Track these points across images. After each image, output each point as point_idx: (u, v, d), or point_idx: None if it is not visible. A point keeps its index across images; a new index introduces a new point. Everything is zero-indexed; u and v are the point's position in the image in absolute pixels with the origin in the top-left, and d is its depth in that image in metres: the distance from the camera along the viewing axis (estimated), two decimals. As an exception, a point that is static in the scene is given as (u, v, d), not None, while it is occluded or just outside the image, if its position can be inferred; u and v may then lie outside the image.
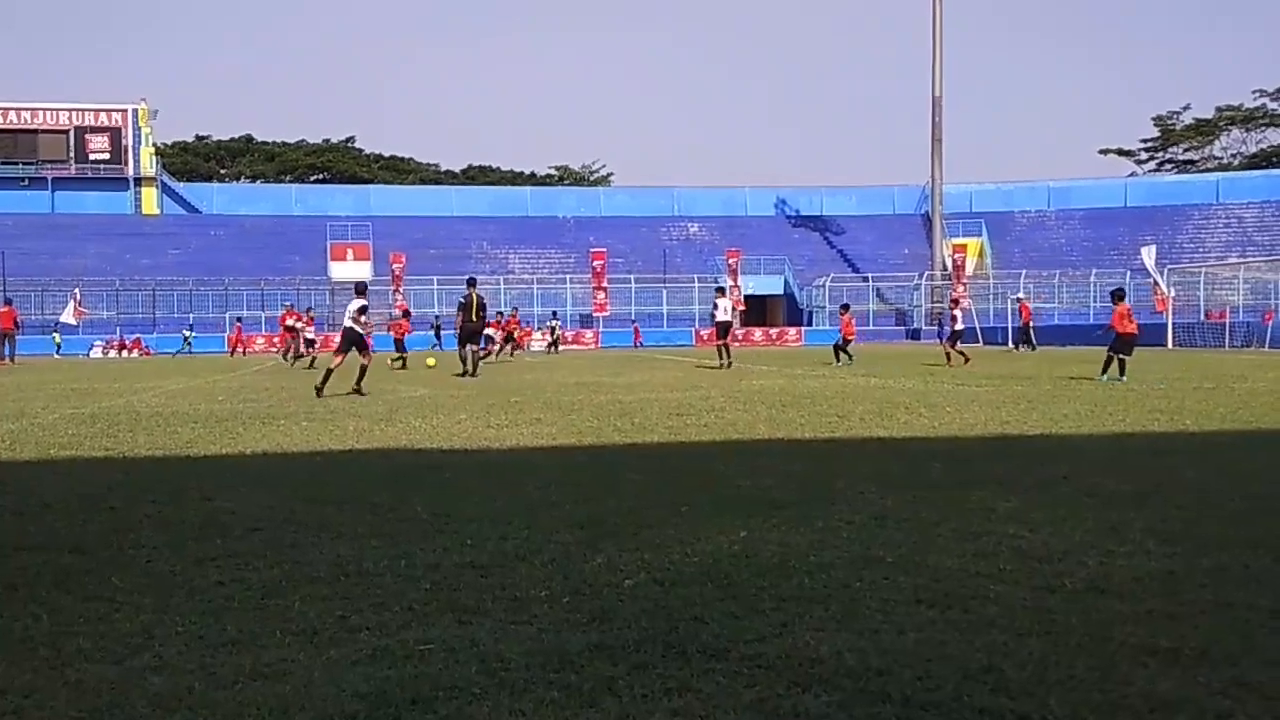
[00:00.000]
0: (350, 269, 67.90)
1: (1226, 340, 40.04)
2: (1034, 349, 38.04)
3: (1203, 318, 44.87)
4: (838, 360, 27.49)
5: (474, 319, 22.85)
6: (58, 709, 3.04)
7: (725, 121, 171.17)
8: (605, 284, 66.72)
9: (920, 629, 3.66)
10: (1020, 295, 45.34)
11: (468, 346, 22.98)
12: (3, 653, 3.55)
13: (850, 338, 28.59)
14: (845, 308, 30.70)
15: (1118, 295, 18.35)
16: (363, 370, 17.34)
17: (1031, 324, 40.99)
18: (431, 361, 27.64)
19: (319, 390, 16.29)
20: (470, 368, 22.41)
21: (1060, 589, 4.17)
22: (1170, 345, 40.64)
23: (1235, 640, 3.48)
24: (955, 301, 32.98)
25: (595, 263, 66.96)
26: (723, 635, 3.60)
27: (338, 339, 18.46)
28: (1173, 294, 44.62)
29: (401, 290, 63.87)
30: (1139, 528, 5.26)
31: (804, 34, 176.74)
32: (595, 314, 66.32)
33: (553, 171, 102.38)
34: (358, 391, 16.52)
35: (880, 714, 2.92)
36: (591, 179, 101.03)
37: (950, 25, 75.71)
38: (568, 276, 69.93)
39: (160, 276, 65.86)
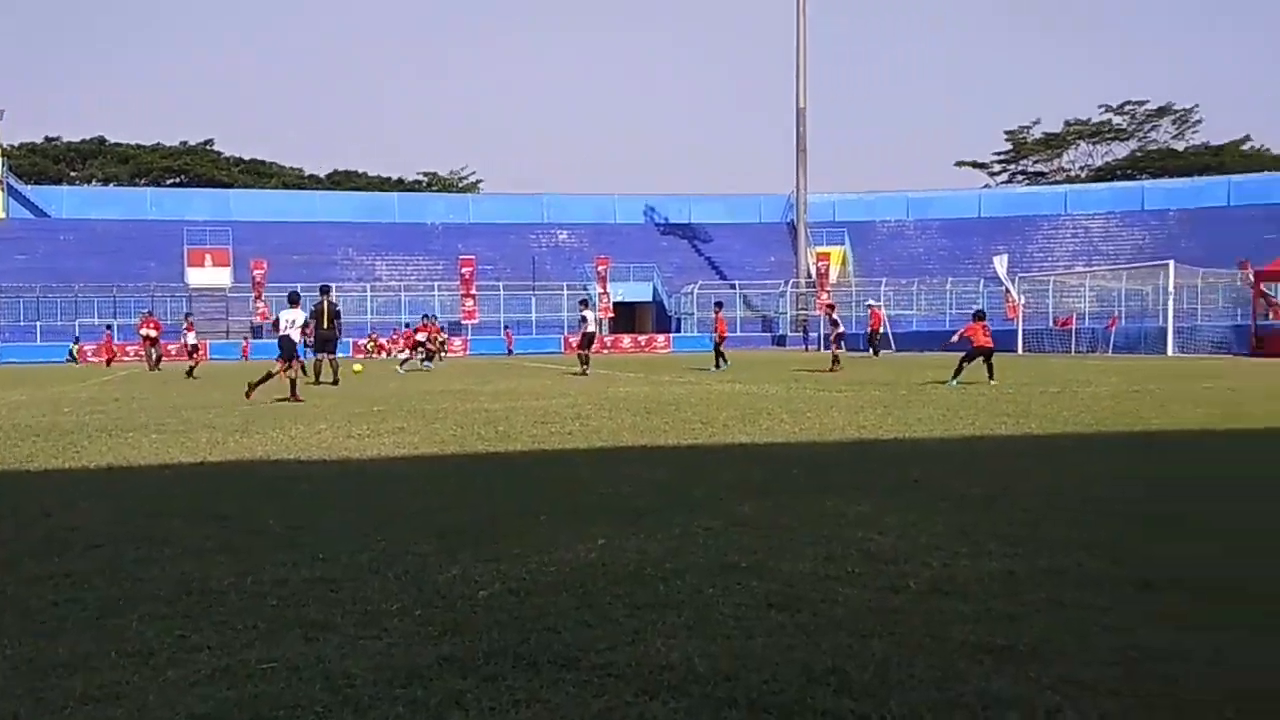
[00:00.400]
0: (209, 275, 66.11)
1: (1073, 346, 41.77)
2: (877, 354, 39.17)
3: (1051, 324, 46.66)
4: (718, 365, 27.85)
5: (326, 327, 22.59)
6: None
7: (595, 129, 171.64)
8: (474, 291, 66.21)
9: (769, 633, 3.72)
10: (871, 302, 46.48)
11: (323, 355, 22.71)
12: None
13: (724, 337, 29.15)
14: (719, 305, 31.25)
15: (978, 315, 20.03)
16: (294, 381, 17.78)
17: (881, 330, 42.19)
18: (358, 368, 27.27)
19: (249, 393, 17.14)
20: (313, 377, 22.18)
21: (905, 590, 4.28)
22: (1020, 351, 42.23)
23: (1068, 638, 3.62)
24: (831, 307, 33.63)
25: (464, 270, 66.41)
26: (575, 644, 3.60)
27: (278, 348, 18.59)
28: (1023, 301, 46.36)
29: (264, 298, 62.23)
30: (983, 530, 5.43)
31: (674, 43, 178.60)
32: (464, 321, 65.73)
33: (421, 178, 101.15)
34: (295, 398, 16.92)
35: (726, 719, 2.96)
36: (460, 185, 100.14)
37: (814, 38, 77.33)
38: (436, 284, 69.19)
39: (4, 283, 62.87)
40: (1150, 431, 10.56)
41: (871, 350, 39.90)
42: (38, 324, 61.63)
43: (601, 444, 10.05)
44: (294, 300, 18.78)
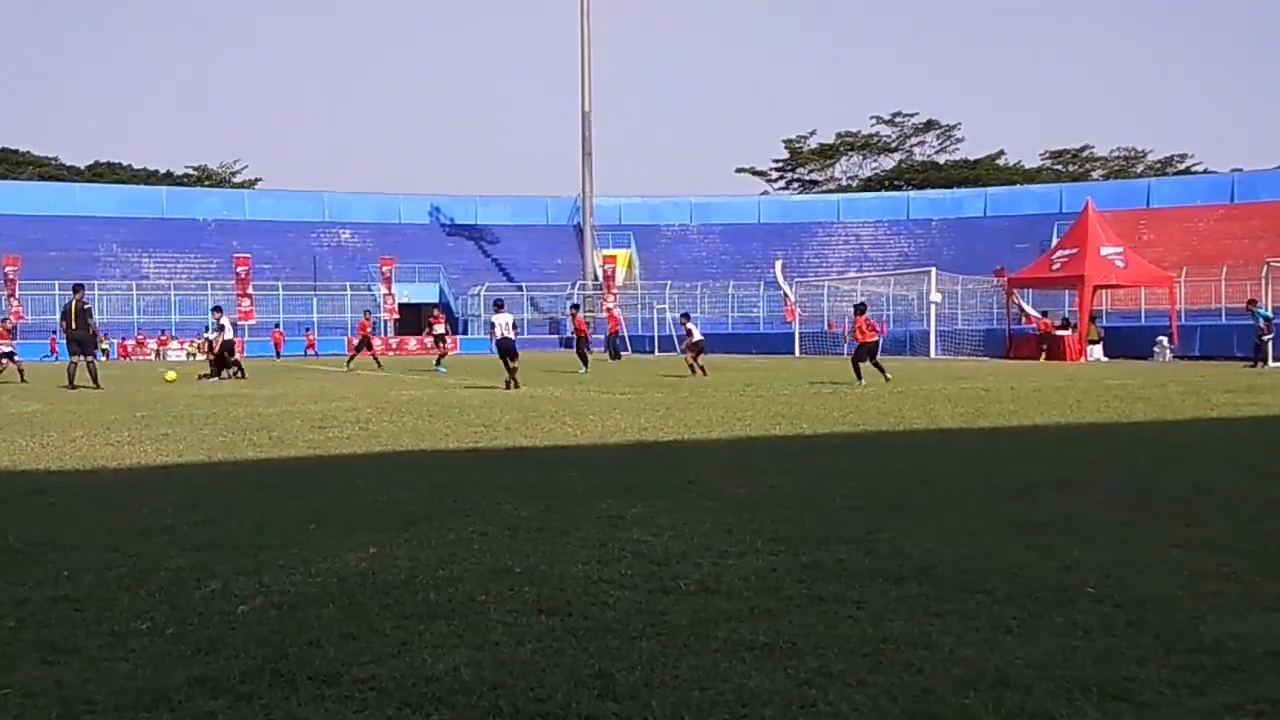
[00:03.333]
0: (-46, 271, 61.08)
1: (845, 348, 43.59)
2: (616, 358, 40.03)
3: (826, 328, 48.60)
4: (586, 366, 27.93)
5: (75, 327, 21.40)
6: None
7: (379, 127, 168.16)
8: (250, 291, 63.69)
9: (539, 638, 3.71)
10: (610, 306, 47.28)
11: (78, 357, 21.44)
12: None
13: (585, 335, 29.71)
14: (575, 308, 31.70)
15: (859, 309, 20.29)
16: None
17: (620, 334, 43.42)
18: (171, 375, 25.36)
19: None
20: (73, 380, 20.97)
21: (675, 590, 4.36)
22: (797, 353, 43.79)
23: (823, 631, 3.77)
24: (686, 315, 33.60)
25: (239, 269, 63.76)
26: (337, 659, 3.50)
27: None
28: (799, 305, 48.14)
29: (17, 296, 58.09)
30: (750, 529, 5.60)
31: (458, 42, 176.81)
32: (240, 322, 63.12)
33: (191, 171, 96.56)
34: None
35: (490, 728, 2.94)
36: (233, 180, 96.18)
37: (600, 42, 78.02)
38: (209, 282, 66.18)
39: None
40: (912, 430, 11.14)
41: (610, 353, 40.71)
42: None
43: (380, 448, 9.85)
44: (499, 306, 21.02)
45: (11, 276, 58.74)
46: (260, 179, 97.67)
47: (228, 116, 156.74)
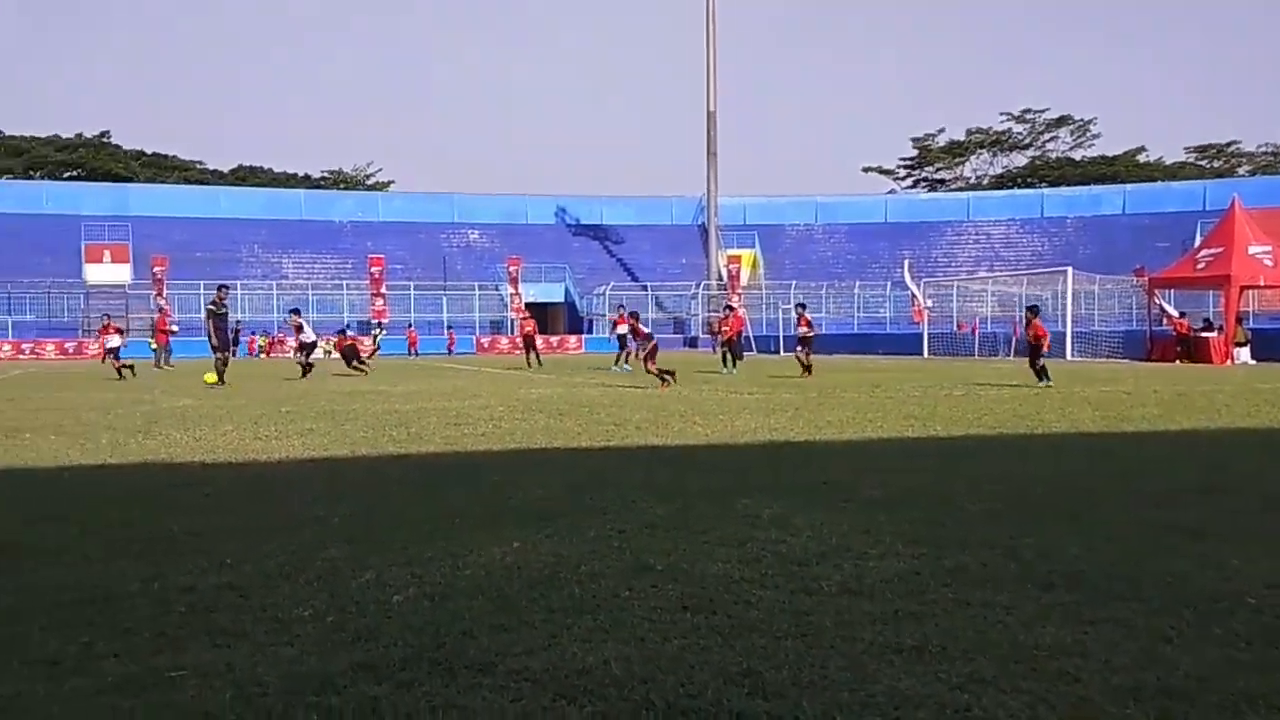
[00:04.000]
0: (108, 271, 64.35)
1: (976, 349, 42.73)
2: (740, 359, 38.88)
3: (955, 328, 47.67)
4: (732, 367, 27.11)
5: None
6: None
7: (506, 129, 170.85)
8: (384, 290, 65.41)
9: (685, 635, 3.75)
10: (734, 306, 45.28)
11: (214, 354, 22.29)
12: None
13: (735, 335, 28.53)
14: (730, 308, 31.27)
15: (1034, 310, 20.78)
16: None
17: (744, 335, 42.48)
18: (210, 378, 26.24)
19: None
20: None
21: (817, 591, 4.35)
22: (926, 354, 43.06)
23: (972, 636, 3.72)
24: (729, 307, 33.57)
25: (373, 269, 65.56)
26: (491, 649, 3.60)
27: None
28: (929, 306, 47.32)
29: (165, 295, 60.72)
30: (889, 530, 5.55)
31: (587, 44, 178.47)
32: (374, 320, 64.85)
33: (327, 174, 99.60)
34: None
35: (642, 722, 2.99)
36: (366, 183, 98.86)
37: (726, 43, 77.85)
38: (345, 282, 68.21)
39: (-111, 277, 60.47)
40: (1050, 433, 10.86)
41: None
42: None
43: (514, 445, 10.03)
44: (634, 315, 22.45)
45: (160, 276, 61.42)
46: (393, 181, 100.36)
47: (363, 121, 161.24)
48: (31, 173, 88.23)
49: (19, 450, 9.88)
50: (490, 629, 3.84)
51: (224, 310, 23.05)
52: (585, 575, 4.65)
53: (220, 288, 23.59)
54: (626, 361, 29.68)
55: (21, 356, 52.27)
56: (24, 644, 3.70)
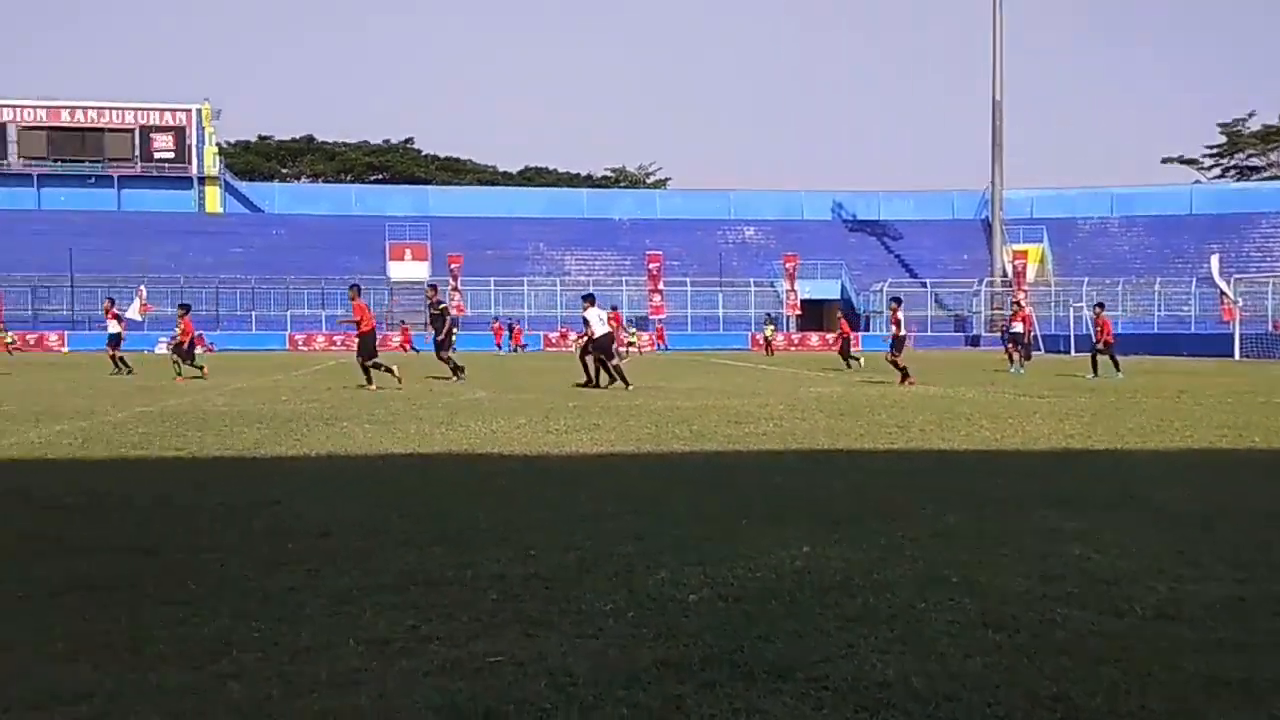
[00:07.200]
0: (408, 268, 68.58)
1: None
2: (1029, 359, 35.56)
3: (1271, 328, 43.88)
4: (1118, 370, 23.31)
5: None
6: (143, 714, 3.12)
7: (782, 125, 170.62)
8: (661, 286, 66.73)
9: (987, 653, 3.64)
10: (1022, 304, 41.02)
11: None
12: (86, 655, 3.65)
13: (1110, 341, 26.68)
14: (1018, 304, 30.42)
15: (1099, 306, 21.35)
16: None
17: (1033, 334, 39.54)
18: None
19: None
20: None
21: (1129, 614, 4.13)
22: (1237, 356, 39.85)
23: (1310, 673, 3.43)
24: (1018, 303, 32.25)
25: (651, 265, 67.00)
26: (788, 655, 3.61)
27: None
28: (1240, 304, 43.77)
29: (460, 290, 64.39)
30: (1207, 550, 5.18)
31: (862, 37, 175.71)
32: (652, 316, 66.33)
33: (608, 173, 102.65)
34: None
35: (949, 741, 2.93)
36: (647, 181, 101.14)
37: (1011, 29, 74.70)
38: (623, 279, 70.00)
39: (223, 274, 66.88)
40: (1389, 449, 9.84)
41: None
42: (253, 314, 65.37)
43: (796, 445, 10.02)
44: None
45: (456, 272, 65.10)
46: (670, 179, 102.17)
47: (643, 120, 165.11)
48: (343, 176, 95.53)
49: (339, 438, 10.71)
50: (786, 634, 3.85)
51: (442, 308, 23.47)
52: (877, 583, 4.59)
53: (430, 287, 24.22)
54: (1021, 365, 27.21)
55: (334, 348, 56.57)
56: (358, 623, 4.01)
